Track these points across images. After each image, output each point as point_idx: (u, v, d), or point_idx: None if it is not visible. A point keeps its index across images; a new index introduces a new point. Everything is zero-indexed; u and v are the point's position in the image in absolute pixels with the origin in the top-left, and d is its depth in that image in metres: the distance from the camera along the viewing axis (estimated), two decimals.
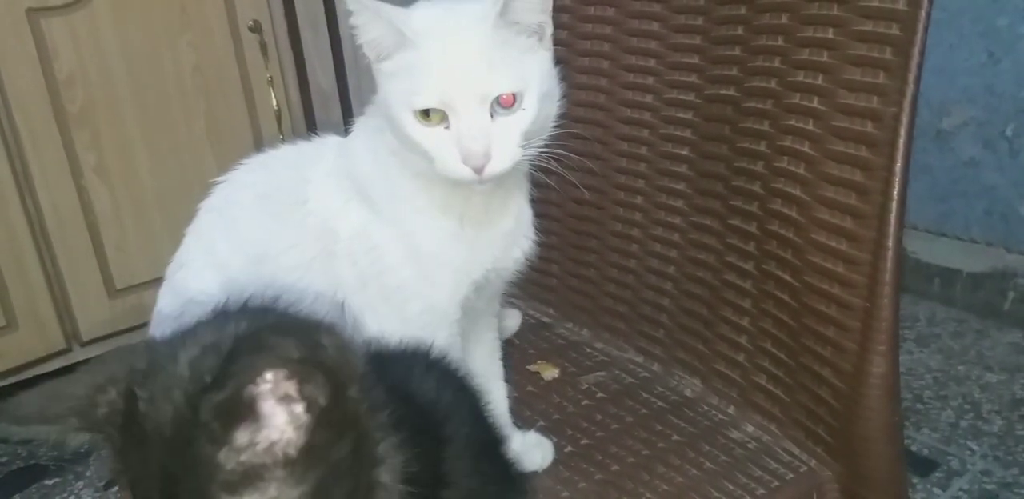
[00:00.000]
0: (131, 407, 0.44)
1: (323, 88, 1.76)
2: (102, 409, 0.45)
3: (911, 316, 1.79)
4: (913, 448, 1.40)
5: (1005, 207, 1.72)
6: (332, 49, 1.75)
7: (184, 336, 0.47)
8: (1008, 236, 1.73)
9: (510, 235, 0.79)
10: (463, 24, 0.68)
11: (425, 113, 0.68)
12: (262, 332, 0.41)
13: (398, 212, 0.75)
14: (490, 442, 0.65)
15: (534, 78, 0.69)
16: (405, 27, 0.67)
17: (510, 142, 0.69)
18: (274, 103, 1.68)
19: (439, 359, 0.64)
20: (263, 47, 1.64)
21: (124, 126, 1.53)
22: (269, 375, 0.39)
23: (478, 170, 0.67)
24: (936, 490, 1.32)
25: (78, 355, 1.56)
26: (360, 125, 0.79)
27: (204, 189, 1.74)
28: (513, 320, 1.05)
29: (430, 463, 0.50)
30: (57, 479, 1.48)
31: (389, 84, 0.71)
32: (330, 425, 0.42)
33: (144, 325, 1.55)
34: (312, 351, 0.40)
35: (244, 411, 0.40)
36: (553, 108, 0.73)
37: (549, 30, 0.72)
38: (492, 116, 0.68)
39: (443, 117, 0.68)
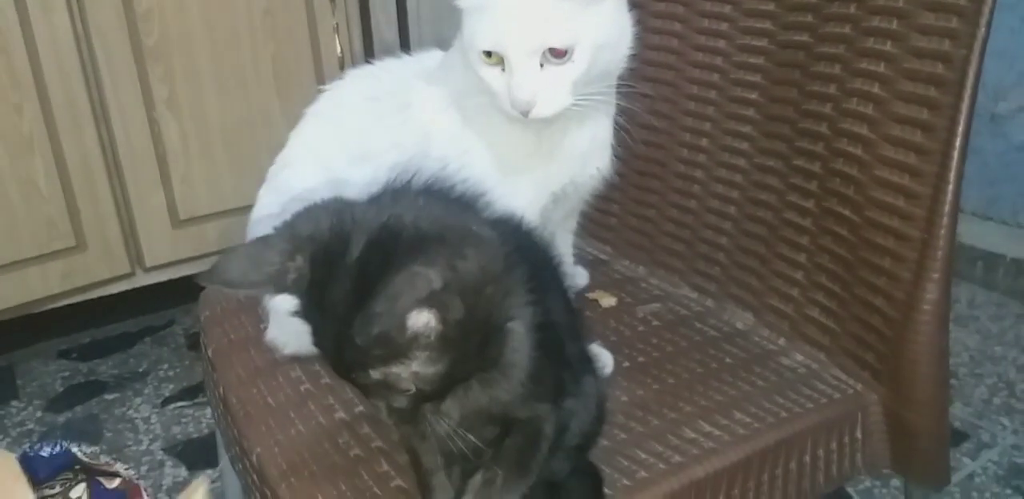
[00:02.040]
0: (315, 275, 0.53)
1: (386, 38, 1.80)
2: (291, 275, 0.53)
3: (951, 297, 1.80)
4: None
5: None
6: (396, 0, 1.79)
7: (358, 210, 0.55)
8: None
9: (585, 154, 0.84)
10: None
11: (488, 53, 0.73)
12: (413, 257, 0.48)
13: (486, 123, 0.80)
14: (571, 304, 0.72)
15: (589, 32, 0.72)
16: None
17: (558, 91, 0.73)
18: (338, 50, 1.72)
19: (532, 228, 0.72)
20: None
21: (195, 62, 1.58)
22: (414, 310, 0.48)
23: (524, 114, 0.73)
24: (965, 459, 1.34)
25: (141, 280, 1.63)
26: (458, 41, 0.83)
27: (268, 129, 1.78)
28: (581, 278, 1.08)
29: (544, 312, 0.57)
30: (116, 394, 1.56)
31: (466, 19, 0.76)
32: (463, 327, 0.50)
33: (205, 256, 1.62)
34: (453, 272, 0.48)
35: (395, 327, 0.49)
36: (617, 55, 0.77)
37: None
38: (543, 65, 0.72)
39: (501, 59, 0.73)
